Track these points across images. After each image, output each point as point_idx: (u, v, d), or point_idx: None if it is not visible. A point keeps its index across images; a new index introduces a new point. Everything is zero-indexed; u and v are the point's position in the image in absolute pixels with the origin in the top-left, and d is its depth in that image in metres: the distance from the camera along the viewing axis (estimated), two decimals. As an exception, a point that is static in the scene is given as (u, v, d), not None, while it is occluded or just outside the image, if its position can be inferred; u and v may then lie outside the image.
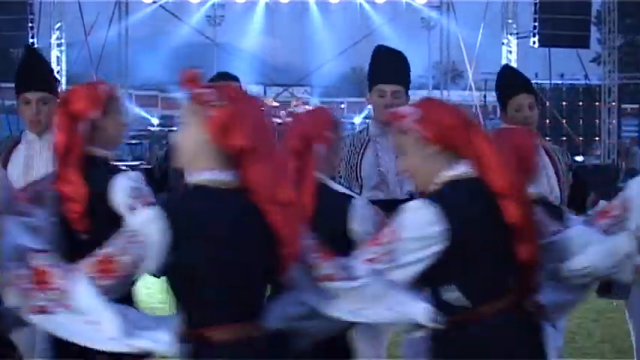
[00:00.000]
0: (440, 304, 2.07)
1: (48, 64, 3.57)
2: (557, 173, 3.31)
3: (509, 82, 3.68)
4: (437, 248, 2.09)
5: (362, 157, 3.23)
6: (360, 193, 3.08)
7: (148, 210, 1.96)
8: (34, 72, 3.19)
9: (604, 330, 5.70)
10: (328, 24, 28.39)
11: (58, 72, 16.52)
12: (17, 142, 3.24)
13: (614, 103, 17.17)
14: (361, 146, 3.27)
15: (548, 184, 3.20)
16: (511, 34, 16.76)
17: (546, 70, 20.90)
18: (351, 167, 3.23)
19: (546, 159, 3.28)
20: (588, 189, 3.62)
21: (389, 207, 2.47)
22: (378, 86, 3.34)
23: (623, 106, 25.44)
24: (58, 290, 1.82)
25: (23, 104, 3.15)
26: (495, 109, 26.82)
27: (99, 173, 2.36)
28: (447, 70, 23.27)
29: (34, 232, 2.08)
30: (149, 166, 3.74)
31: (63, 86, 16.72)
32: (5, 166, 3.03)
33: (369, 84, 3.45)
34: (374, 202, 2.70)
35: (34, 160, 3.09)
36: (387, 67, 3.40)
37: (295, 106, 21.02)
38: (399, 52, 3.50)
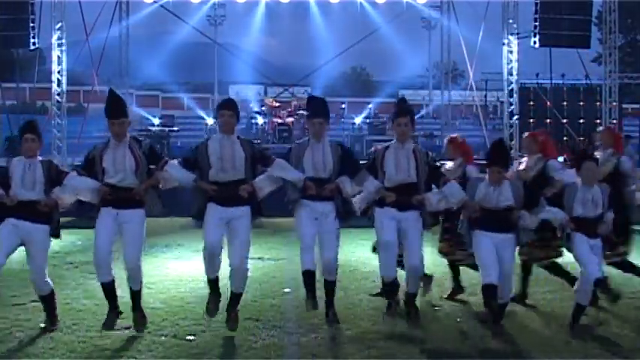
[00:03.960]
0: None
1: (122, 99, 5.79)
2: (416, 162, 5.59)
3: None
4: None
5: (304, 154, 5.72)
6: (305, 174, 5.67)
7: None
8: (116, 106, 5.57)
9: (604, 330, 5.72)
10: (328, 24, 28.36)
11: (58, 72, 16.50)
12: (107, 145, 5.54)
13: (615, 103, 17.17)
14: (304, 148, 5.75)
15: (408, 166, 5.59)
16: (512, 34, 16.75)
17: (547, 69, 20.89)
18: (298, 159, 5.71)
19: (411, 153, 5.63)
20: (439, 176, 5.67)
21: (317, 183, 5.63)
22: (312, 120, 5.80)
23: (624, 105, 25.46)
24: None
25: (111, 125, 5.51)
26: (496, 109, 26.87)
27: None
28: (447, 69, 23.22)
29: None
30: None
31: (63, 86, 16.72)
32: (101, 158, 5.48)
33: (307, 118, 5.95)
34: (310, 178, 5.62)
35: (118, 154, 5.47)
36: (316, 107, 5.87)
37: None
38: (322, 98, 6.03)
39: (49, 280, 5.76)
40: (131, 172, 5.46)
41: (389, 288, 5.89)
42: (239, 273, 5.57)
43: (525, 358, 5.14)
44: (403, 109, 5.77)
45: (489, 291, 5.49)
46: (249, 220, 5.60)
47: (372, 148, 5.99)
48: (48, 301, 5.78)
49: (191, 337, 5.50)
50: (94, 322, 5.88)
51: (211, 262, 5.58)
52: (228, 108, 5.67)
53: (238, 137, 5.65)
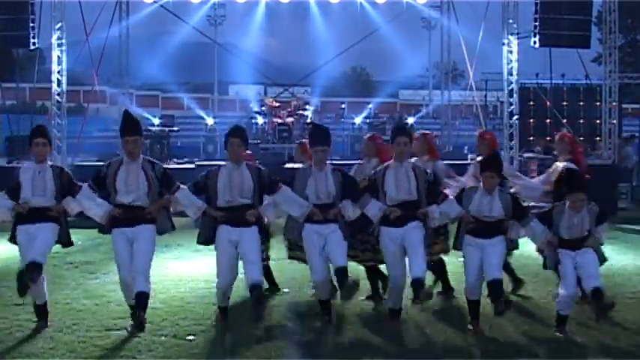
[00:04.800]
0: None
1: (137, 119, 5.85)
2: (417, 181, 5.74)
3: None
4: None
5: (307, 182, 5.85)
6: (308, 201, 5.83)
7: None
8: (130, 124, 5.67)
9: (604, 330, 5.72)
10: (328, 24, 28.35)
11: (58, 72, 16.49)
12: (120, 163, 5.63)
13: (614, 103, 17.13)
14: (307, 176, 5.89)
15: (409, 185, 5.72)
16: (512, 34, 16.72)
17: (547, 70, 20.86)
18: (302, 187, 5.85)
19: (411, 171, 5.77)
20: (438, 193, 5.87)
21: (319, 208, 5.78)
22: (314, 148, 5.92)
23: (624, 105, 25.42)
24: None
25: (125, 142, 5.60)
26: (496, 109, 26.85)
27: None
28: (447, 69, 23.21)
29: None
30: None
31: (63, 86, 16.71)
32: (114, 178, 5.57)
33: (310, 146, 6.04)
34: (315, 204, 5.80)
35: (131, 174, 5.56)
36: (318, 135, 5.97)
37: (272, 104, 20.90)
38: (324, 126, 6.19)
39: (44, 260, 5.63)
40: (144, 194, 5.56)
41: (391, 312, 6.01)
42: (258, 288, 5.70)
43: (525, 358, 5.14)
44: (402, 129, 5.98)
45: (472, 306, 5.83)
46: (258, 239, 5.78)
47: (372, 171, 6.12)
48: (31, 275, 5.49)
49: (191, 337, 5.50)
50: (94, 322, 5.89)
51: (225, 295, 5.88)
52: (236, 136, 5.80)
53: (247, 165, 5.83)
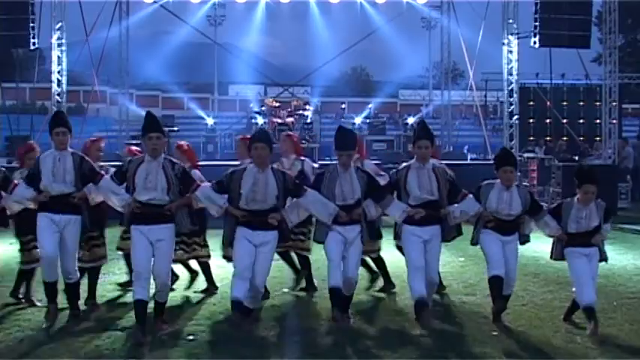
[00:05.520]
0: None
1: (158, 118, 5.90)
2: (437, 181, 5.93)
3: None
4: None
5: (335, 182, 5.90)
6: (334, 202, 5.85)
7: None
8: (153, 122, 5.74)
9: (604, 330, 5.72)
10: (328, 24, 28.32)
11: (58, 72, 16.50)
12: (142, 161, 5.64)
13: (614, 103, 17.15)
14: (335, 179, 5.92)
15: (431, 185, 5.90)
16: (512, 34, 16.73)
17: (547, 70, 20.88)
18: (330, 187, 5.88)
19: (432, 172, 5.94)
20: (458, 192, 6.00)
21: (344, 209, 5.82)
22: (340, 152, 5.95)
23: (624, 105, 25.43)
24: None
25: (148, 140, 5.60)
26: (496, 109, 26.85)
27: None
28: (447, 70, 23.20)
29: None
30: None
31: (63, 86, 16.72)
32: (134, 175, 5.54)
33: (336, 149, 6.00)
34: (338, 206, 5.83)
35: (151, 172, 5.54)
36: (344, 140, 5.98)
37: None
38: (351, 130, 6.40)
39: (77, 268, 5.96)
40: (162, 192, 5.52)
41: (420, 305, 5.79)
42: (257, 292, 5.76)
43: (525, 358, 5.13)
44: (424, 133, 6.06)
45: (496, 283, 5.86)
46: (274, 246, 5.81)
47: (393, 170, 6.25)
48: (74, 289, 6.00)
49: (191, 337, 5.50)
50: (94, 322, 5.88)
51: (242, 282, 5.61)
52: (261, 140, 5.74)
53: (272, 168, 5.78)
